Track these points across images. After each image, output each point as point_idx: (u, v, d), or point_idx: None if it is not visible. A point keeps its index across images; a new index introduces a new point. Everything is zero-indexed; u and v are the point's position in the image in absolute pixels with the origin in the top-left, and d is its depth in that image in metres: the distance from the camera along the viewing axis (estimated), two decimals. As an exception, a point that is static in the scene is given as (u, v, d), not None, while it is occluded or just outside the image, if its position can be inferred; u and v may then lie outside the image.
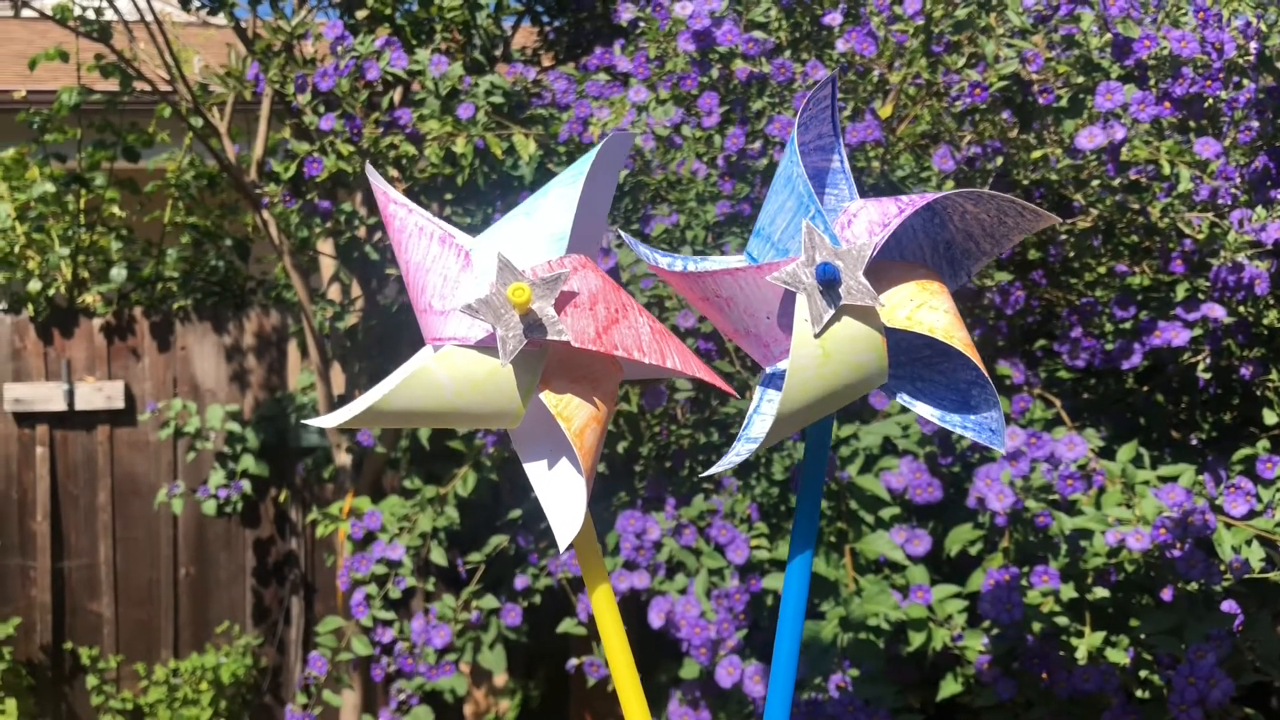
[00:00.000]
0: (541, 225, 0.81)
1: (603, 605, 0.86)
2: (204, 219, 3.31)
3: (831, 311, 0.77)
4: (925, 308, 0.80)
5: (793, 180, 0.80)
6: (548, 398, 0.80)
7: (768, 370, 0.86)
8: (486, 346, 0.79)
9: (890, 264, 0.84)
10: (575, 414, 0.80)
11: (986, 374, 0.82)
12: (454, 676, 2.12)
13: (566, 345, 0.79)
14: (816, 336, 0.78)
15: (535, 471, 0.82)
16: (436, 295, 0.81)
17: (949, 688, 1.67)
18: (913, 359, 0.87)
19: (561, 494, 0.81)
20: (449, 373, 0.79)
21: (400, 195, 0.84)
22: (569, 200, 0.80)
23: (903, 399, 0.87)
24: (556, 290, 0.78)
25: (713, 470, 0.87)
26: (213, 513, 2.84)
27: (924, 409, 0.86)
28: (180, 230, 3.30)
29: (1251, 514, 1.58)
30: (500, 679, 2.79)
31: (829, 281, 0.77)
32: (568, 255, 0.80)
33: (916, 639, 1.62)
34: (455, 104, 2.12)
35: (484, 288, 0.79)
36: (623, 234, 0.88)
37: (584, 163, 0.81)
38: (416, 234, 0.82)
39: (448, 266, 0.81)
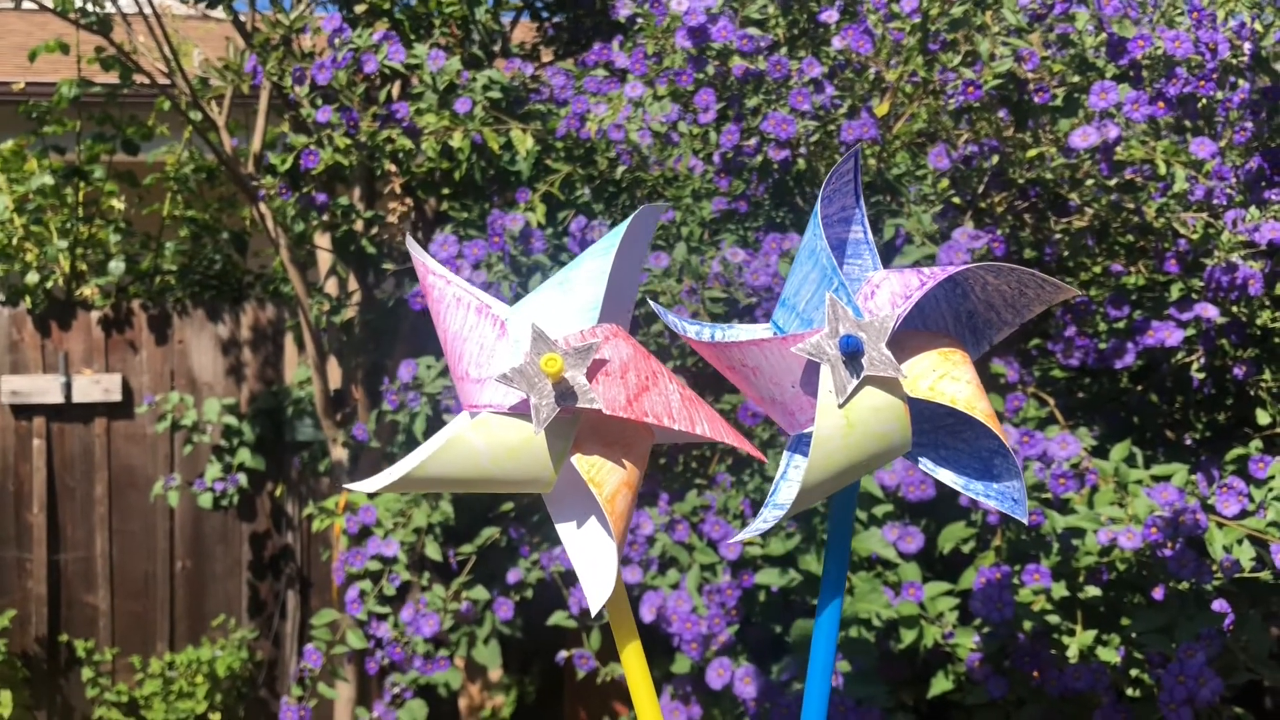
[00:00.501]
0: (574, 295, 0.83)
1: (633, 663, 0.88)
2: (202, 213, 3.31)
3: (855, 382, 0.79)
4: (948, 378, 0.82)
5: (816, 253, 0.82)
6: (579, 462, 0.82)
7: (793, 435, 0.87)
8: (521, 414, 0.81)
9: (913, 334, 0.85)
10: (607, 479, 0.82)
11: (1008, 444, 0.83)
12: (449, 671, 2.12)
13: (598, 412, 0.81)
14: (840, 407, 0.80)
15: (567, 532, 0.85)
16: (473, 364, 0.83)
17: (940, 685, 1.68)
18: (936, 426, 0.88)
19: (593, 557, 0.83)
20: (485, 439, 0.81)
21: (439, 266, 0.86)
22: (601, 271, 0.83)
23: (924, 465, 0.87)
24: (589, 359, 0.80)
25: (739, 537, 0.89)
26: (209, 506, 2.84)
27: (947, 476, 0.87)
28: (178, 224, 3.30)
29: (1243, 514, 1.59)
30: (495, 674, 2.79)
31: (852, 353, 0.79)
32: (599, 325, 0.83)
33: (908, 636, 1.62)
34: (453, 98, 2.12)
35: (519, 357, 0.81)
36: (652, 304, 0.90)
37: (615, 235, 0.84)
38: (454, 304, 0.84)
39: (484, 336, 0.83)
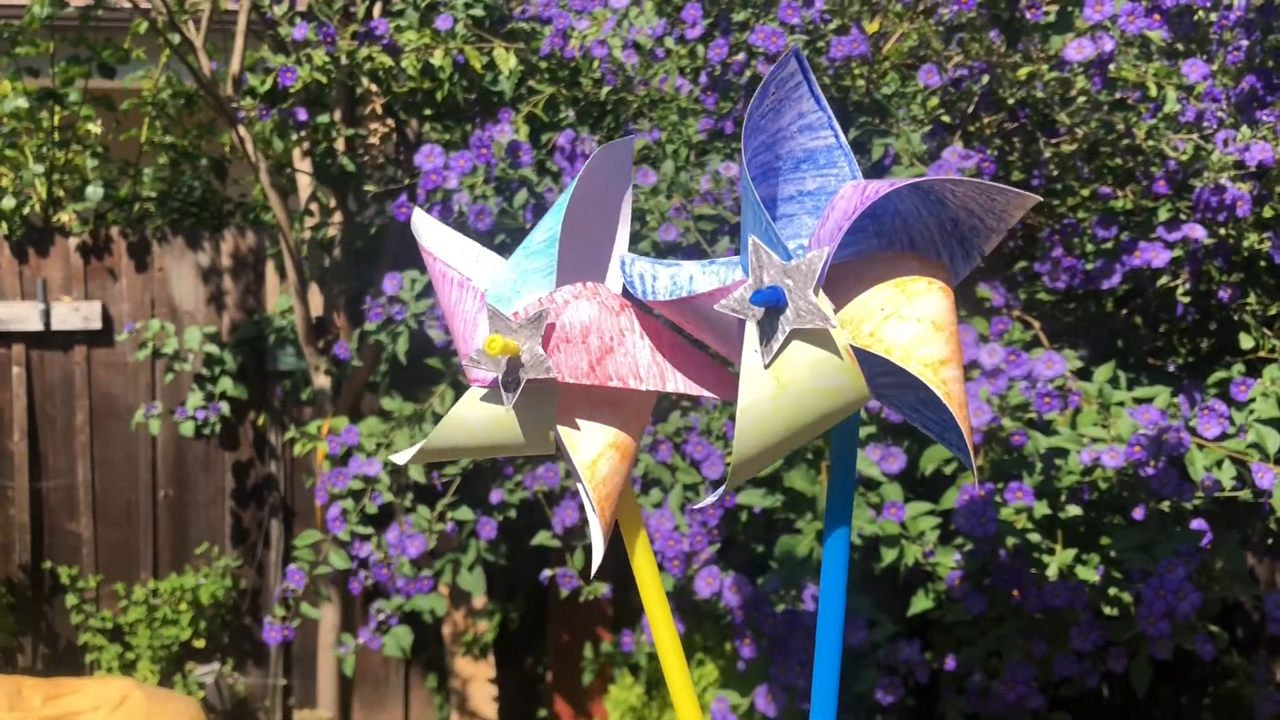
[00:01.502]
0: (534, 261, 0.81)
1: (665, 641, 0.85)
2: (181, 139, 3.26)
3: (779, 339, 0.70)
4: (894, 318, 0.71)
5: (746, 190, 0.73)
6: (561, 429, 0.81)
7: None
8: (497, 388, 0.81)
9: (880, 259, 0.75)
10: (586, 444, 0.80)
11: (945, 402, 0.72)
12: (433, 597, 2.13)
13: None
14: (767, 368, 0.71)
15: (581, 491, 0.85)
16: (462, 339, 0.84)
17: (920, 603, 1.69)
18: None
19: (590, 520, 0.82)
20: (477, 413, 0.82)
21: (430, 240, 0.85)
22: (553, 234, 0.80)
23: (905, 415, 0.80)
24: (540, 329, 0.78)
25: (704, 503, 0.87)
26: (191, 434, 2.83)
27: (923, 427, 0.80)
28: (157, 150, 3.25)
29: (1224, 436, 1.60)
30: (479, 601, 2.80)
31: (773, 305, 0.69)
32: (562, 288, 0.80)
33: (889, 555, 1.63)
34: (434, 16, 2.08)
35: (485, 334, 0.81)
36: (624, 258, 0.82)
37: (566, 193, 0.80)
38: (441, 280, 0.85)
39: (468, 310, 0.83)
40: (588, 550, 1.93)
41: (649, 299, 0.78)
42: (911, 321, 0.71)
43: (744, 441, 0.72)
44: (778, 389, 0.71)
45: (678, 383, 0.79)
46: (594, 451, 0.80)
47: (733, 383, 0.78)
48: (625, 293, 0.83)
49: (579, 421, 0.81)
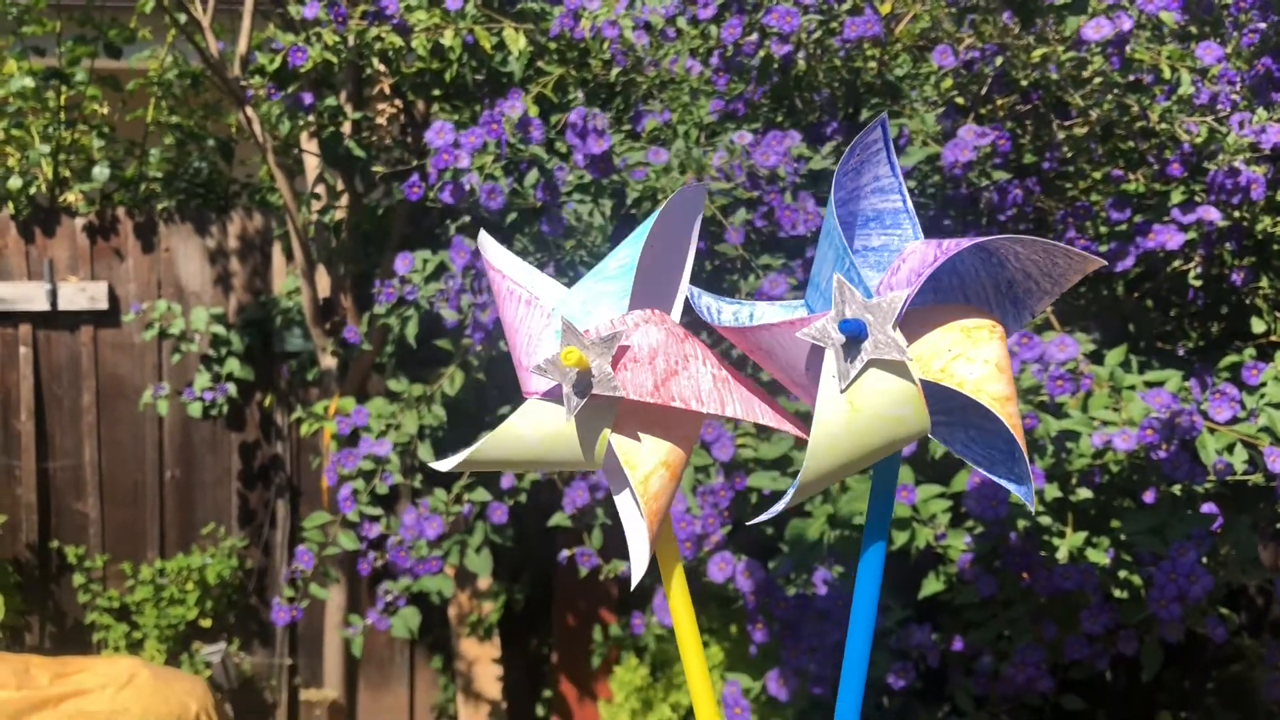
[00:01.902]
0: (607, 285, 0.88)
1: (688, 644, 0.90)
2: (187, 119, 3.25)
3: (858, 366, 0.77)
4: (962, 359, 0.79)
5: (830, 232, 0.81)
6: (616, 443, 0.86)
7: None
8: (558, 400, 0.86)
9: (943, 308, 0.83)
10: (643, 460, 0.85)
11: (1014, 434, 0.79)
12: (440, 578, 2.13)
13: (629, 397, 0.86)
14: (843, 392, 0.78)
15: (622, 505, 0.89)
16: (524, 353, 0.89)
17: (931, 586, 1.69)
18: (964, 405, 0.84)
19: (633, 532, 0.87)
20: (532, 425, 0.86)
21: (497, 259, 0.91)
22: (630, 261, 0.87)
23: (957, 450, 0.85)
24: (613, 348, 0.84)
25: (759, 519, 0.88)
26: (198, 415, 2.83)
27: (971, 457, 0.85)
28: (163, 130, 3.24)
29: (1234, 420, 1.59)
30: (485, 583, 2.81)
31: (855, 336, 0.77)
32: (632, 313, 0.86)
33: (900, 538, 1.63)
34: (444, -5, 2.07)
35: (556, 348, 0.87)
36: (690, 295, 0.89)
37: (647, 224, 0.87)
38: (508, 297, 0.90)
39: (533, 327, 0.89)
40: (605, 529, 1.94)
41: (718, 325, 0.85)
42: (979, 363, 0.78)
43: (816, 457, 0.79)
44: (851, 412, 0.78)
45: (736, 408, 0.85)
46: (648, 468, 0.85)
47: (783, 413, 0.85)
48: (687, 324, 0.89)
49: (638, 436, 0.86)
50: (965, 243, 0.78)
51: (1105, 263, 0.76)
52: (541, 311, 0.89)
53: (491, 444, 0.87)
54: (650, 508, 0.85)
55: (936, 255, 0.78)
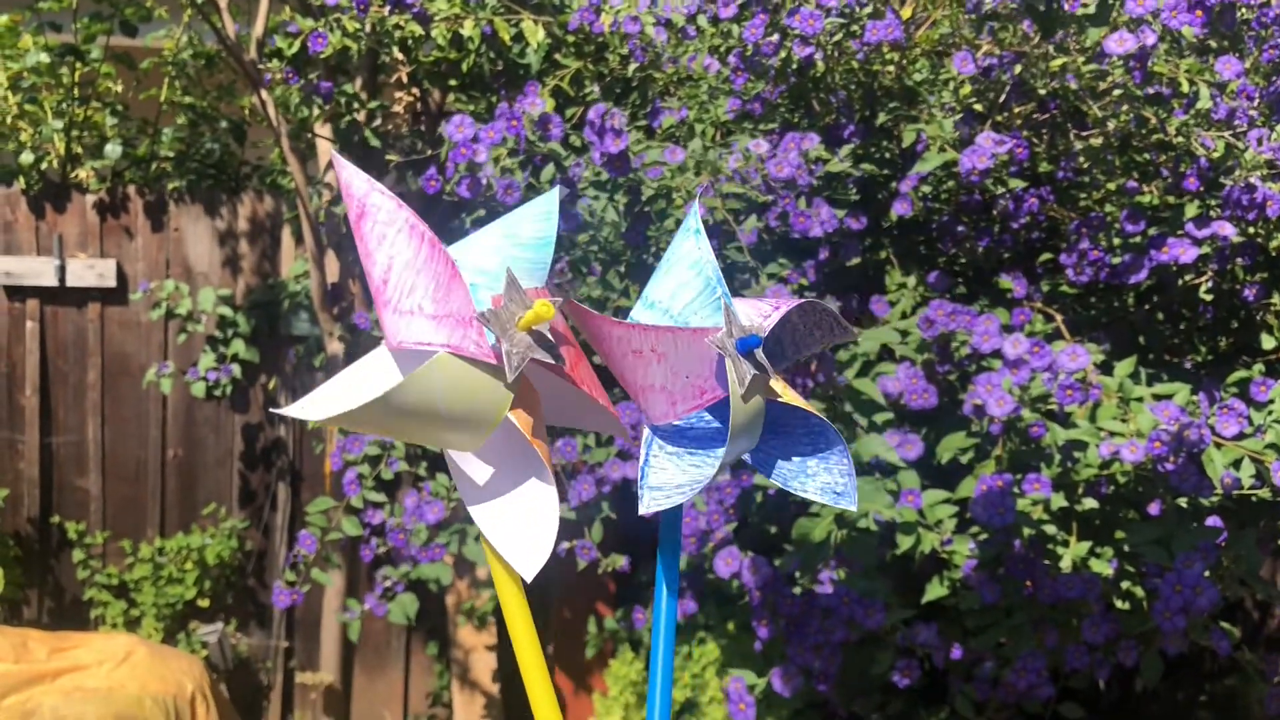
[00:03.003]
0: (526, 250, 0.84)
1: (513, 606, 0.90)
2: (200, 100, 3.25)
3: (750, 376, 0.86)
4: (788, 387, 0.92)
5: (700, 264, 0.89)
6: (518, 418, 0.81)
7: (660, 425, 0.90)
8: (475, 359, 0.80)
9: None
10: (546, 442, 0.84)
11: (805, 407, 0.91)
12: (439, 566, 2.13)
13: (547, 370, 0.83)
14: (744, 400, 0.86)
15: (482, 513, 0.84)
16: (429, 299, 0.80)
17: (935, 591, 1.70)
18: (771, 420, 0.93)
19: (524, 517, 0.83)
20: (444, 379, 0.79)
21: (379, 188, 0.82)
22: (547, 236, 0.85)
23: (768, 471, 0.93)
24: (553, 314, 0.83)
25: (642, 510, 0.90)
26: (202, 395, 2.83)
27: (766, 473, 0.94)
28: (176, 110, 3.23)
29: (1241, 435, 1.60)
30: (483, 571, 2.81)
31: (748, 352, 0.86)
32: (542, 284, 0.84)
33: (905, 542, 1.63)
34: (465, -15, 2.07)
35: (483, 301, 0.81)
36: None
37: (551, 202, 0.86)
38: (409, 230, 0.80)
39: (439, 272, 0.80)
40: (606, 521, 1.94)
41: (619, 321, 0.88)
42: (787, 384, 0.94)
43: (734, 432, 0.88)
44: (740, 412, 0.89)
45: (601, 399, 0.88)
46: (548, 450, 0.85)
47: (608, 402, 0.89)
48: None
49: (536, 414, 0.84)
50: (788, 303, 0.89)
51: (858, 333, 0.87)
52: (447, 260, 0.80)
53: (405, 391, 0.77)
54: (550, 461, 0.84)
55: (775, 305, 0.90)
